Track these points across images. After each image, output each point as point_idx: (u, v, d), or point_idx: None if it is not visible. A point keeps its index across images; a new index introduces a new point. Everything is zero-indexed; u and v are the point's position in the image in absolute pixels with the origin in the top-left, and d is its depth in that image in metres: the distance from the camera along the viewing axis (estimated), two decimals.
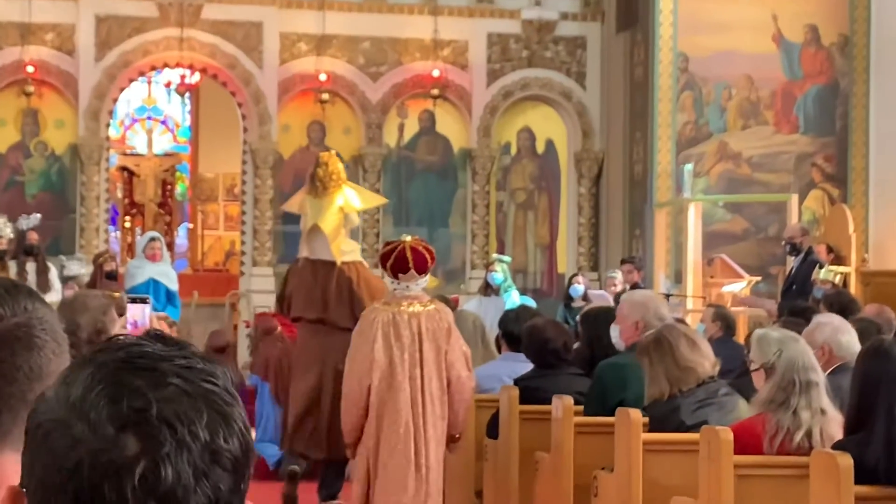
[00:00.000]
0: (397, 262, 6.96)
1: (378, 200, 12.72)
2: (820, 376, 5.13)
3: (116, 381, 1.20)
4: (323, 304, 8.78)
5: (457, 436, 7.09)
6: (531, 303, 13.50)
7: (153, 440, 1.17)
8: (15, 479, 1.55)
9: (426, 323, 6.88)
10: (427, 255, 7.03)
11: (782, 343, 5.20)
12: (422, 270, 6.97)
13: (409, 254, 6.95)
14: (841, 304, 8.32)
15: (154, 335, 1.27)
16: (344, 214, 9.13)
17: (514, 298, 13.09)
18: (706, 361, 5.55)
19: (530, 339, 7.16)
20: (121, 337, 1.26)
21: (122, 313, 11.79)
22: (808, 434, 4.95)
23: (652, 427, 5.58)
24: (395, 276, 6.99)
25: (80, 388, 1.21)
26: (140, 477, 1.16)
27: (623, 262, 14.29)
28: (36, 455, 1.22)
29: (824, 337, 6.17)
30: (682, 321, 7.81)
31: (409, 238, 7.21)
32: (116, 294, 12.11)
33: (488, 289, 13.49)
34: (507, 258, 14.17)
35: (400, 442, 6.81)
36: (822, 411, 5.01)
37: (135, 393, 1.19)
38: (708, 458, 4.79)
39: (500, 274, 13.42)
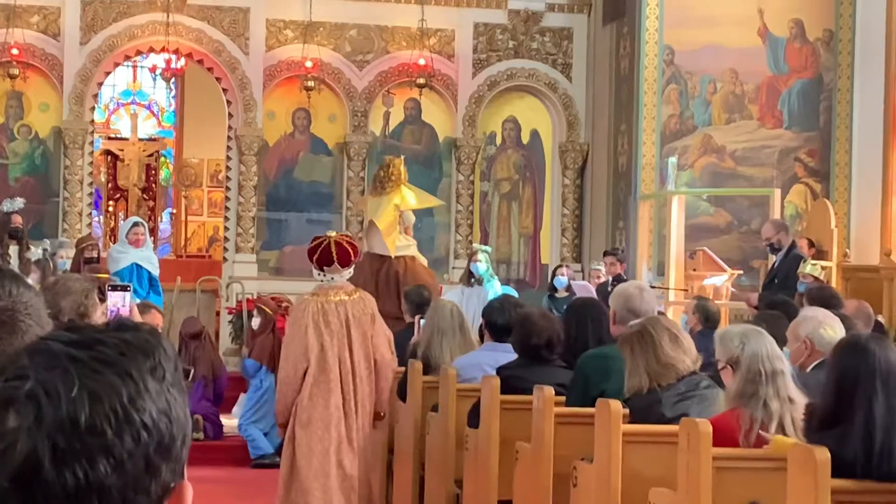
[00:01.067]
0: (322, 256, 7.57)
1: (433, 202, 12.88)
2: (785, 365, 5.20)
3: (11, 361, 1.21)
4: (376, 294, 9.06)
5: (382, 413, 7.89)
6: (513, 293, 13.51)
7: (20, 416, 1.17)
8: None
9: (352, 310, 7.55)
10: (350, 250, 7.61)
11: (744, 336, 5.25)
12: (345, 263, 7.57)
13: (333, 248, 7.54)
14: (822, 298, 8.36)
15: (111, 322, 1.28)
16: (400, 212, 9.92)
17: (496, 288, 13.10)
18: (687, 357, 5.58)
19: (519, 327, 7.18)
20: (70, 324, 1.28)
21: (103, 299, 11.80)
22: (781, 425, 5.00)
23: (633, 419, 5.61)
24: (321, 269, 7.60)
25: None
26: (0, 452, 1.17)
27: (606, 254, 14.33)
28: None
29: (806, 331, 6.21)
30: (662, 313, 7.84)
31: (334, 234, 7.85)
32: (104, 276, 12.11)
33: (471, 278, 13.49)
34: (488, 248, 14.20)
35: (332, 418, 7.49)
36: (791, 399, 5.07)
37: (19, 371, 1.19)
38: (687, 450, 4.82)
39: (482, 264, 13.44)
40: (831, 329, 6.23)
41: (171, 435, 1.23)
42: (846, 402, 4.55)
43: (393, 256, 9.81)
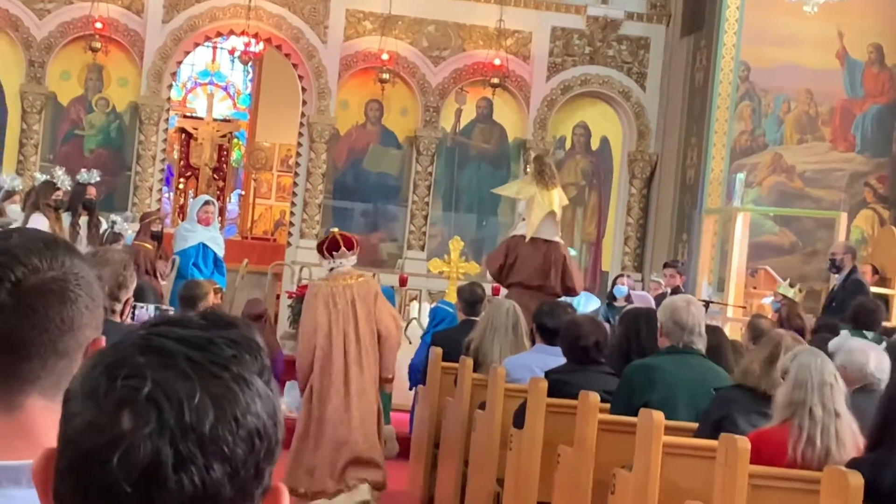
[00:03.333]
0: (330, 244, 8.81)
1: (565, 202, 13.30)
2: (837, 381, 5.17)
3: (121, 358, 1.20)
4: (544, 273, 10.80)
5: (389, 377, 8.94)
6: (594, 300, 13.58)
7: (140, 419, 1.15)
8: (42, 423, 1.65)
9: (357, 291, 8.72)
10: (352, 239, 8.90)
11: (798, 353, 5.29)
12: (350, 247, 8.76)
13: (338, 237, 8.83)
14: (864, 317, 8.42)
15: (205, 314, 1.27)
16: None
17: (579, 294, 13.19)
18: (762, 382, 5.66)
19: (566, 333, 7.25)
20: (170, 314, 1.29)
21: (152, 268, 11.96)
22: (826, 435, 5.01)
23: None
24: (331, 255, 8.77)
25: (93, 361, 1.23)
26: (121, 455, 1.15)
27: (666, 265, 14.32)
28: (60, 421, 1.23)
29: (839, 360, 6.21)
30: (716, 328, 7.85)
31: (336, 230, 9.21)
32: (149, 245, 12.28)
33: None
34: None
35: (335, 382, 8.66)
36: (837, 413, 5.07)
37: (134, 371, 1.18)
38: (725, 465, 4.86)
39: None
40: (865, 356, 6.25)
41: (277, 439, 1.22)
42: (890, 426, 4.57)
43: (559, 241, 11.11)
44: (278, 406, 1.24)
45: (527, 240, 10.96)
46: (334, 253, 8.77)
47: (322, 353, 8.70)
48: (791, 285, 12.13)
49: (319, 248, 8.95)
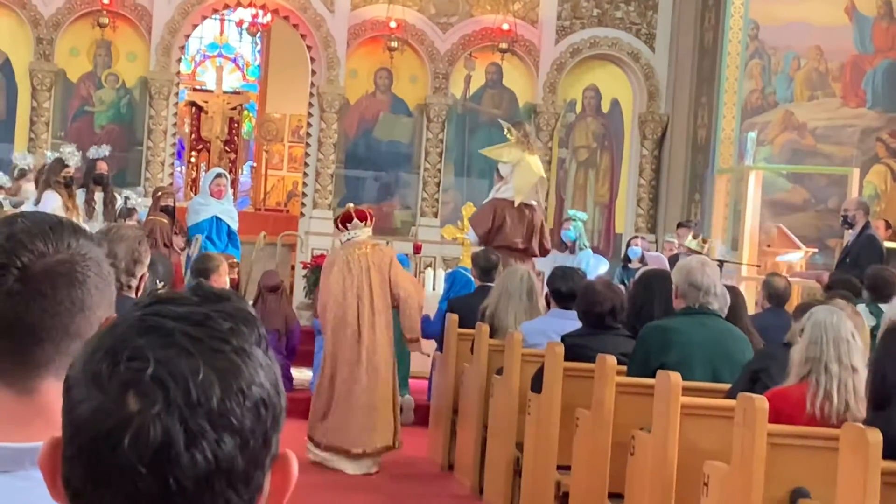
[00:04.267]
0: (344, 217, 9.50)
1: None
2: (855, 338, 5.17)
3: (121, 341, 1.21)
4: (528, 237, 11.37)
5: (414, 337, 9.56)
6: (604, 262, 13.62)
7: (147, 400, 1.16)
8: (57, 403, 1.68)
9: (371, 258, 9.30)
10: (366, 212, 9.53)
11: (814, 311, 5.30)
12: (363, 219, 9.39)
13: (352, 211, 9.49)
14: (879, 284, 8.40)
15: (195, 289, 1.28)
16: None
17: (590, 256, 13.24)
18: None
19: (583, 299, 7.27)
20: (159, 291, 1.31)
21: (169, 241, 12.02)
22: (844, 389, 5.02)
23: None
24: (345, 227, 9.42)
25: (92, 346, 1.24)
26: (131, 436, 1.15)
27: (679, 225, 14.33)
28: (63, 409, 1.24)
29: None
30: (733, 287, 7.86)
31: (352, 205, 9.87)
32: (164, 220, 12.32)
33: (563, 246, 13.62)
34: (583, 215, 14.21)
35: (348, 343, 9.25)
36: (854, 368, 5.08)
37: (135, 353, 1.19)
38: (743, 425, 4.89)
39: (572, 231, 13.56)
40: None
41: (281, 406, 1.24)
42: (892, 385, 4.59)
43: (536, 204, 11.61)
44: (279, 374, 1.26)
45: (515, 204, 11.37)
46: (348, 225, 9.40)
47: (335, 317, 9.29)
48: (695, 237, 12.60)
49: (335, 223, 9.68)
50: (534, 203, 11.58)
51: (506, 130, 12.31)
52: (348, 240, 9.47)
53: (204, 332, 1.21)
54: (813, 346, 5.12)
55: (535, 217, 11.52)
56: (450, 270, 13.26)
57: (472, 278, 10.53)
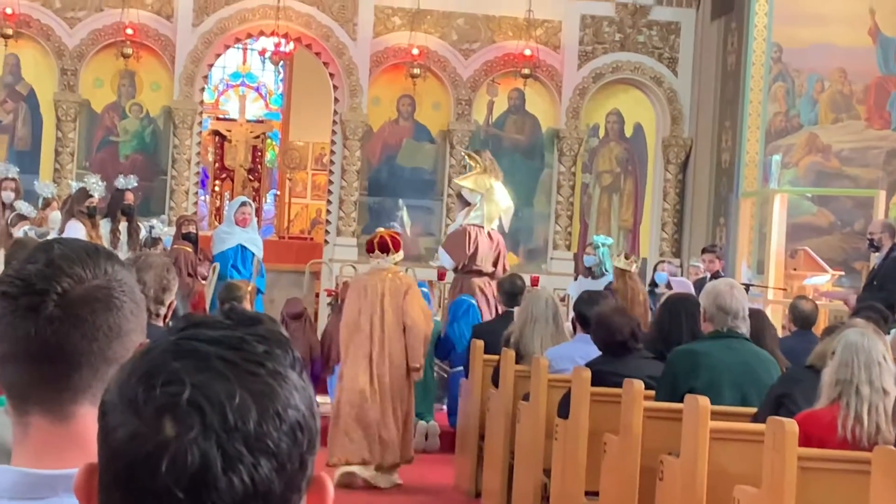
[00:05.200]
0: (368, 245, 10.01)
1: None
2: (886, 361, 5.12)
3: (156, 365, 1.20)
4: (495, 261, 12.15)
5: (416, 366, 9.67)
6: None
7: (183, 424, 1.16)
8: (92, 429, 1.66)
9: (389, 285, 9.61)
10: (391, 241, 9.79)
11: (845, 333, 5.25)
12: (385, 249, 9.72)
13: (376, 239, 9.86)
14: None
15: (229, 312, 1.27)
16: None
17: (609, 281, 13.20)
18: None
19: (598, 327, 7.24)
20: (193, 315, 1.30)
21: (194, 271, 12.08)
22: (875, 412, 4.97)
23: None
24: (371, 253, 9.86)
25: (127, 370, 1.23)
26: (169, 461, 1.15)
27: (704, 250, 14.26)
28: (98, 435, 1.23)
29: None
30: (758, 311, 7.81)
31: (383, 229, 10.33)
32: (188, 248, 12.34)
33: (587, 271, 13.60)
34: (608, 240, 14.19)
35: (361, 366, 9.57)
36: (885, 391, 5.03)
37: (171, 377, 1.18)
38: (773, 449, 4.84)
39: (592, 257, 13.54)
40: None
41: (316, 429, 1.23)
42: None
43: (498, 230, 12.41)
44: (314, 397, 1.25)
45: (486, 231, 12.21)
46: (372, 253, 9.88)
47: (348, 339, 9.71)
48: (626, 257, 12.90)
49: (366, 247, 10.23)
50: (494, 228, 12.36)
51: (467, 158, 13.08)
52: (375, 266, 9.83)
53: (239, 355, 1.20)
54: (844, 369, 5.07)
55: (501, 242, 12.33)
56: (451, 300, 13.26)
57: (474, 304, 11.37)
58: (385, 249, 9.73)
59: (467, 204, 12.50)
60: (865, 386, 5.02)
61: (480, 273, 12.04)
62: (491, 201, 12.21)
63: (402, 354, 9.63)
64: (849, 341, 5.12)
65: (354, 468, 9.51)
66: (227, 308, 1.31)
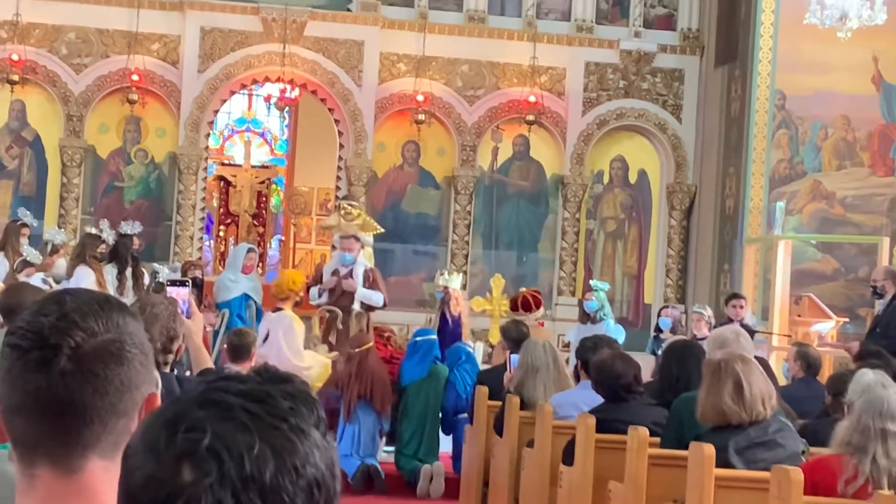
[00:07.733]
0: (512, 303, 11.22)
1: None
2: None
3: (181, 412, 1.22)
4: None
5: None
6: (622, 332, 13.54)
7: (201, 471, 1.17)
8: (101, 484, 1.65)
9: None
10: (531, 299, 11.12)
11: (869, 386, 5.20)
12: (526, 308, 10.86)
13: (519, 299, 11.05)
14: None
15: (261, 369, 1.29)
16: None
17: (611, 326, 13.15)
18: (743, 413, 5.53)
19: (600, 374, 7.22)
20: (227, 372, 1.30)
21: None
22: (890, 480, 4.95)
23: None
24: (515, 311, 10.89)
25: (154, 416, 1.25)
26: None
27: (735, 296, 14.13)
28: (120, 476, 1.25)
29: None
30: (762, 359, 7.80)
31: (524, 289, 11.55)
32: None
33: (586, 316, 13.54)
34: (604, 285, 14.18)
35: None
36: None
37: (194, 424, 1.20)
38: (778, 498, 4.82)
39: (595, 301, 13.49)
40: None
41: (336, 490, 1.24)
42: None
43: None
44: (336, 458, 1.26)
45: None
46: (516, 311, 11.40)
47: None
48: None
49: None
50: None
51: (350, 207, 14.02)
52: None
53: (263, 408, 1.22)
54: (859, 436, 5.02)
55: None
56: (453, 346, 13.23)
57: (470, 350, 11.61)
58: (527, 308, 10.34)
59: (362, 247, 13.14)
60: (883, 458, 4.97)
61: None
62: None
63: None
64: (869, 400, 5.07)
65: None
66: (260, 366, 1.32)
